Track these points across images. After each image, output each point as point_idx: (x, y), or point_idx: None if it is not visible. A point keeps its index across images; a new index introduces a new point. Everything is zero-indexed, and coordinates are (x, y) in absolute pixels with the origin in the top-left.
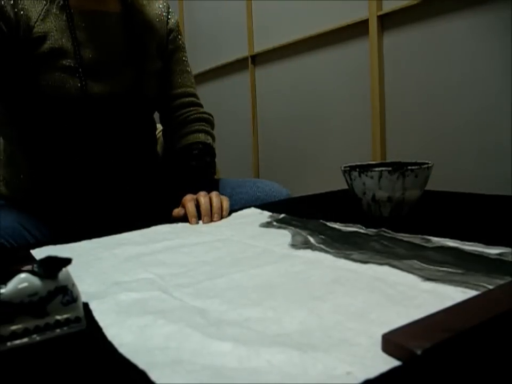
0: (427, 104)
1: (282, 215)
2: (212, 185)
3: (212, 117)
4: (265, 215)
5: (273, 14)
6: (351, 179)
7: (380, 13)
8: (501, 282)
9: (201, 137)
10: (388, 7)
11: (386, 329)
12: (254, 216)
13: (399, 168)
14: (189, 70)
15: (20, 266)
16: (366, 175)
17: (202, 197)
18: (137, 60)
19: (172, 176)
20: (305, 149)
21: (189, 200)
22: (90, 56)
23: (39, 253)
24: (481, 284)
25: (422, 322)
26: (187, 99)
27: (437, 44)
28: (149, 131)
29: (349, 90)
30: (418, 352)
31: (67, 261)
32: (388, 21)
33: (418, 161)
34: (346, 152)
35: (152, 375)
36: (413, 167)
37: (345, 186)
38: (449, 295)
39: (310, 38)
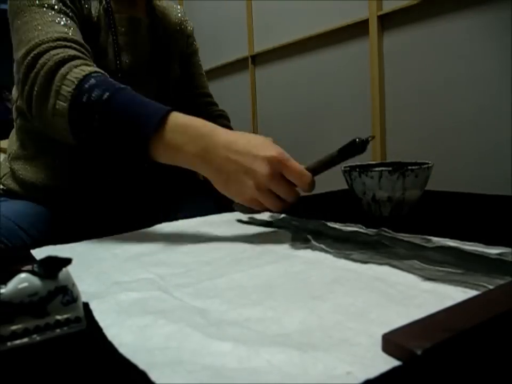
0: (427, 104)
1: (282, 215)
2: None
3: (227, 114)
4: (265, 215)
5: (273, 14)
6: (351, 179)
7: (380, 13)
8: (501, 282)
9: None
10: (388, 7)
11: (386, 329)
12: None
13: (399, 168)
14: (203, 72)
15: (19, 266)
16: (366, 175)
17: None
18: (162, 68)
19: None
20: (305, 148)
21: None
22: (127, 61)
23: (39, 253)
24: (481, 283)
25: (422, 322)
26: (206, 99)
27: (437, 44)
28: None
29: (349, 90)
30: (418, 352)
31: (67, 261)
32: (388, 21)
33: (418, 161)
34: None
35: (152, 376)
36: (413, 167)
37: (345, 186)
38: (449, 295)
39: (310, 38)
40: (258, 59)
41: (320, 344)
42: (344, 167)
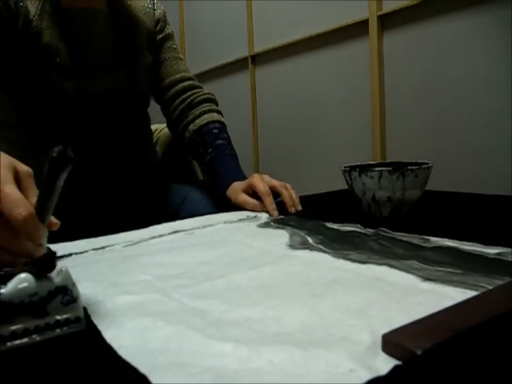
0: (427, 104)
1: (280, 216)
2: (238, 165)
3: (214, 96)
4: (264, 216)
5: (273, 14)
6: (351, 179)
7: (380, 13)
8: (501, 282)
9: (215, 116)
10: (388, 7)
11: (386, 325)
12: (252, 216)
13: (399, 168)
14: (181, 56)
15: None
16: (366, 175)
17: (282, 187)
18: (129, 56)
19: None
20: (305, 148)
21: (282, 187)
22: (84, 54)
23: None
24: (481, 284)
25: (422, 322)
26: (186, 83)
27: (437, 44)
28: (144, 126)
29: (349, 90)
30: (419, 352)
31: (52, 254)
32: (388, 21)
33: (418, 161)
34: (346, 152)
35: (153, 379)
36: (413, 167)
37: (345, 186)
38: (449, 295)
39: (310, 38)
40: (258, 59)
41: (321, 342)
42: (344, 167)
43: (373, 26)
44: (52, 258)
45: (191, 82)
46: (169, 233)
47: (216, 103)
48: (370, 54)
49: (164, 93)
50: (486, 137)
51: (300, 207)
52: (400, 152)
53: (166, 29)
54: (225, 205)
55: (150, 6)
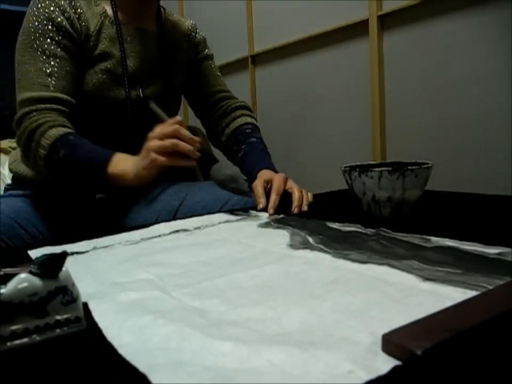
0: (427, 104)
1: (280, 215)
2: (270, 159)
3: (247, 104)
4: (264, 215)
5: (273, 14)
6: (351, 179)
7: (380, 13)
8: (501, 282)
9: (248, 119)
10: (387, 7)
11: (386, 326)
12: (252, 216)
13: (399, 168)
14: (219, 74)
15: (19, 266)
16: (366, 175)
17: (297, 188)
18: (168, 71)
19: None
20: (305, 148)
21: (296, 188)
22: (133, 65)
23: (36, 254)
24: (481, 284)
25: (422, 322)
26: (223, 94)
27: (437, 44)
28: None
29: (349, 90)
30: (418, 352)
31: (63, 255)
32: (388, 21)
33: (418, 161)
34: (346, 152)
35: (153, 379)
36: (413, 167)
37: (345, 186)
38: (449, 295)
39: (310, 38)
40: (258, 59)
41: (320, 342)
42: (344, 167)
43: (373, 26)
44: (59, 260)
45: (226, 93)
46: (170, 233)
47: (249, 109)
48: (370, 54)
49: (202, 104)
50: (486, 137)
51: (305, 208)
52: (400, 152)
53: (205, 51)
54: (225, 205)
55: (193, 34)
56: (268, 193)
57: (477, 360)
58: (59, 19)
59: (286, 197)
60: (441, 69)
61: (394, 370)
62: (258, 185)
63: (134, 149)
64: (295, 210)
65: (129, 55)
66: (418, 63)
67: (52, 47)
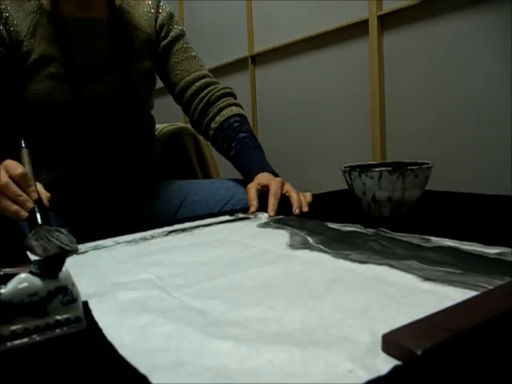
0: (427, 104)
1: (280, 216)
2: (264, 156)
3: (232, 89)
4: (264, 216)
5: (273, 14)
6: (351, 179)
7: (380, 13)
8: (501, 282)
9: (235, 109)
10: (387, 7)
11: (386, 326)
12: (252, 216)
13: (399, 168)
14: (194, 54)
15: (19, 266)
16: (366, 175)
17: (294, 191)
18: (124, 62)
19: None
20: (305, 149)
21: (294, 191)
22: (79, 62)
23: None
24: (481, 284)
25: (422, 322)
26: (202, 81)
27: (437, 44)
28: (146, 130)
29: (349, 91)
30: (418, 352)
31: (63, 255)
32: (388, 21)
33: (418, 161)
34: (346, 152)
35: (153, 379)
36: (413, 167)
37: (345, 186)
38: (449, 295)
39: (310, 38)
40: (258, 59)
41: (321, 342)
42: (344, 167)
43: (373, 26)
44: (59, 260)
45: (206, 80)
46: (170, 233)
47: (234, 96)
48: (370, 54)
49: (181, 96)
50: (486, 137)
51: (306, 209)
52: (400, 152)
53: (172, 31)
54: (226, 204)
55: (153, 11)
56: (262, 197)
57: (477, 360)
58: None
59: (284, 201)
60: (441, 69)
61: (394, 370)
62: (251, 188)
63: (91, 156)
64: (296, 211)
65: (75, 52)
66: (418, 63)
67: None
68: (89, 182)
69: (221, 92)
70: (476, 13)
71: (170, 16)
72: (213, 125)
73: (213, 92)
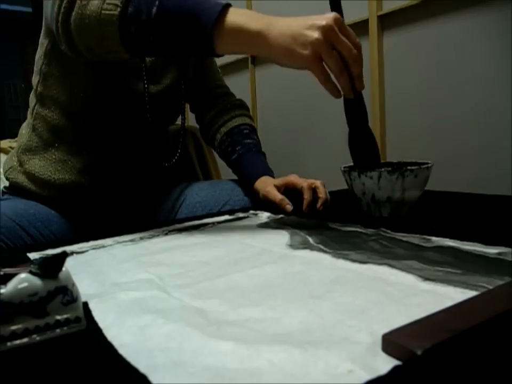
0: (427, 104)
1: (280, 215)
2: (267, 163)
3: (245, 103)
4: (264, 215)
5: (273, 14)
6: (350, 179)
7: (380, 13)
8: (501, 282)
9: (247, 120)
10: (387, 7)
11: (386, 326)
12: (252, 216)
13: (398, 168)
14: (218, 68)
15: (19, 266)
16: (366, 176)
17: (321, 184)
18: (182, 62)
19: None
20: (305, 149)
21: (307, 189)
22: (150, 60)
23: (36, 256)
24: (481, 284)
25: (422, 322)
26: (222, 89)
27: (437, 44)
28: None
29: None
30: (418, 352)
31: (63, 255)
32: (388, 21)
33: (418, 161)
34: (346, 152)
35: (153, 379)
36: (413, 167)
37: (345, 186)
38: (449, 295)
39: None
40: (258, 59)
41: (321, 342)
42: (344, 167)
43: (373, 26)
44: (59, 260)
45: (225, 89)
46: (170, 233)
47: (247, 109)
48: (370, 54)
49: (199, 98)
50: (486, 137)
51: (322, 207)
52: (400, 152)
53: None
54: (225, 205)
55: None
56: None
57: (477, 360)
58: None
59: (296, 194)
60: (441, 69)
61: (394, 370)
62: (272, 190)
63: (152, 147)
64: (320, 207)
65: None
66: (418, 63)
67: None
68: (108, 180)
69: (236, 102)
70: (476, 13)
71: None
72: (223, 129)
73: (230, 100)
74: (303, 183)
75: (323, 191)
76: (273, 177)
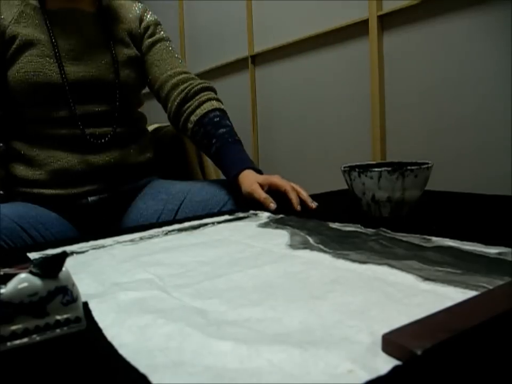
0: (427, 104)
1: (280, 215)
2: (245, 152)
3: (211, 84)
4: (264, 215)
5: (273, 14)
6: (350, 179)
7: (380, 13)
8: (501, 282)
9: (215, 104)
10: (387, 7)
11: (386, 326)
12: (252, 216)
13: (398, 168)
14: (177, 56)
15: (19, 266)
16: (366, 175)
17: (298, 186)
18: (108, 46)
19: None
20: (305, 148)
21: (291, 190)
22: (65, 43)
23: (36, 256)
24: (481, 284)
25: (422, 322)
26: (181, 76)
27: (437, 44)
28: (135, 122)
29: (349, 90)
30: (418, 352)
31: (63, 255)
32: (388, 21)
33: (418, 161)
34: (346, 152)
35: (153, 379)
36: (413, 167)
37: (345, 186)
38: (449, 295)
39: (310, 38)
40: (258, 59)
41: (320, 342)
42: (344, 167)
43: (373, 26)
44: (59, 260)
45: (185, 75)
46: (170, 233)
47: (214, 90)
48: (370, 54)
49: (161, 90)
50: (486, 137)
51: (314, 205)
52: (400, 152)
53: (159, 33)
54: (225, 205)
55: (138, 12)
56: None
57: (477, 360)
58: None
59: (279, 195)
60: (441, 69)
61: (394, 370)
62: (257, 189)
63: (81, 133)
64: (312, 205)
65: (60, 36)
66: (418, 63)
67: None
68: (83, 174)
69: (200, 85)
70: (476, 13)
71: (157, 23)
72: (193, 118)
73: (191, 85)
74: (286, 185)
75: (304, 193)
76: (254, 168)
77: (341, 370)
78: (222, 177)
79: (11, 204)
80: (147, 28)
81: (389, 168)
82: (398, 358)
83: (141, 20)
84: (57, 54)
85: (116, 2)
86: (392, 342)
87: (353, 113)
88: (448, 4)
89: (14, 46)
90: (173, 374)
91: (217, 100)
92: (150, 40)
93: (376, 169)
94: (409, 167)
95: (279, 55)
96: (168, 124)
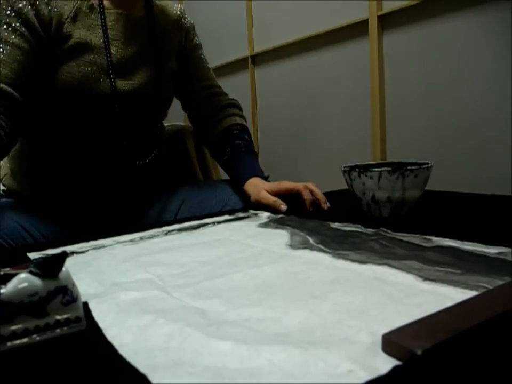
0: (427, 104)
1: (280, 215)
2: (257, 162)
3: (238, 102)
4: (264, 215)
5: (273, 14)
6: (350, 179)
7: (380, 13)
8: (501, 282)
9: (238, 120)
10: (387, 7)
11: (386, 326)
12: (252, 216)
13: (398, 168)
14: (209, 66)
15: (19, 266)
16: (366, 175)
17: (313, 186)
18: (157, 59)
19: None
20: (305, 148)
21: (304, 189)
22: (118, 52)
23: (36, 256)
24: (481, 284)
25: (422, 322)
26: (214, 90)
27: (437, 44)
28: (159, 130)
29: (349, 90)
30: (418, 352)
31: (63, 255)
32: (388, 21)
33: (418, 161)
34: (346, 152)
35: (153, 379)
36: (413, 167)
37: (345, 186)
38: (449, 295)
39: (310, 38)
40: (258, 59)
41: (320, 342)
42: (344, 167)
43: (373, 26)
44: (59, 260)
45: (217, 89)
46: (170, 233)
47: (239, 108)
48: (370, 54)
49: (192, 99)
50: (486, 137)
51: (326, 206)
52: (400, 152)
53: (195, 39)
54: (225, 206)
55: (181, 15)
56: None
57: (477, 360)
58: (20, 5)
59: (292, 197)
60: (441, 69)
61: (394, 370)
62: (265, 194)
63: (120, 148)
64: (325, 206)
65: (112, 43)
66: (418, 63)
67: (6, 33)
68: (98, 178)
69: (227, 102)
70: (476, 13)
71: (194, 26)
72: (215, 131)
73: (221, 100)
74: (299, 185)
75: (319, 192)
76: (263, 177)
77: (341, 370)
78: (222, 177)
79: (13, 202)
80: (187, 32)
81: (389, 168)
82: (398, 358)
83: (182, 26)
84: (109, 64)
85: (159, 4)
86: (392, 342)
87: (353, 113)
88: (448, 4)
89: (66, 47)
90: (173, 374)
91: (241, 116)
92: (189, 45)
93: (376, 169)
94: (409, 167)
95: (279, 55)
96: (169, 124)
